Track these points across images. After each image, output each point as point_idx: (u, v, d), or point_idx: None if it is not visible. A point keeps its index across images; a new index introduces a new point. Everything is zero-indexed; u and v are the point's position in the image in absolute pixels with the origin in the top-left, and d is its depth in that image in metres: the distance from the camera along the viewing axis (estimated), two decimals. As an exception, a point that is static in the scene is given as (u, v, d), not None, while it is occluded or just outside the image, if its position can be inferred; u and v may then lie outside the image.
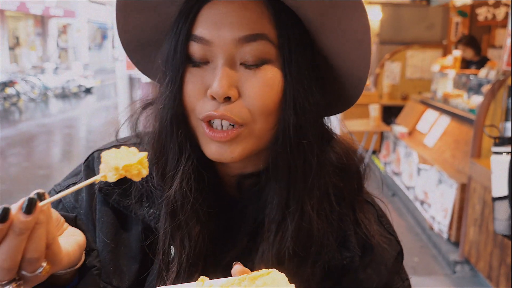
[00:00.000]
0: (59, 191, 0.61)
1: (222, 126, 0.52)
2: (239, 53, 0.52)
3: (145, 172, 0.45)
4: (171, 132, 0.55)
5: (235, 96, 0.51)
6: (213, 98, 0.51)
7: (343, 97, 0.61)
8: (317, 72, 0.56)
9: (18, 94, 11.11)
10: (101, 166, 0.45)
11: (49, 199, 0.40)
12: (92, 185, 0.60)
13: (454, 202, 3.19)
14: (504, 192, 1.53)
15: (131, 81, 3.81)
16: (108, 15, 21.05)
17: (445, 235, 3.30)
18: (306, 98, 0.54)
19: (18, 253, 0.38)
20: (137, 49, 0.61)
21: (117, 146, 0.63)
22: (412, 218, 4.01)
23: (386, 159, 4.99)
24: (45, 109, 11.11)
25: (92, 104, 12.31)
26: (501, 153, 1.61)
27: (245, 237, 0.57)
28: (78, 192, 0.61)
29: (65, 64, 16.56)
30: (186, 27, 0.52)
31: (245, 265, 0.46)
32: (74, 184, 0.62)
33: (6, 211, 0.36)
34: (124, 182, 0.57)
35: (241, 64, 0.52)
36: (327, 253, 0.56)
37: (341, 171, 0.60)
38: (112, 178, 0.44)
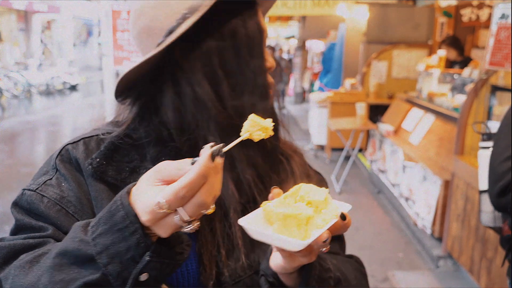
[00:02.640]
0: (36, 189, 0.60)
1: None
2: None
3: (271, 134, 0.53)
4: (204, 127, 0.60)
5: None
6: None
7: None
8: None
9: (0, 91, 10.84)
10: (246, 124, 0.51)
11: (229, 146, 0.47)
12: (79, 170, 0.61)
13: (437, 198, 3.25)
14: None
15: (119, 77, 3.74)
16: (94, 11, 20.66)
17: (428, 231, 3.37)
18: None
19: (218, 189, 0.46)
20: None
21: (99, 135, 0.64)
22: (397, 214, 4.08)
23: (372, 157, 5.06)
24: (29, 106, 10.86)
25: (77, 102, 12.08)
26: (488, 147, 1.65)
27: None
28: (59, 183, 0.60)
29: (49, 61, 16.20)
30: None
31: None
32: (50, 179, 0.60)
33: (221, 148, 0.44)
34: (114, 160, 0.61)
35: None
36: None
37: None
38: (258, 137, 0.50)
